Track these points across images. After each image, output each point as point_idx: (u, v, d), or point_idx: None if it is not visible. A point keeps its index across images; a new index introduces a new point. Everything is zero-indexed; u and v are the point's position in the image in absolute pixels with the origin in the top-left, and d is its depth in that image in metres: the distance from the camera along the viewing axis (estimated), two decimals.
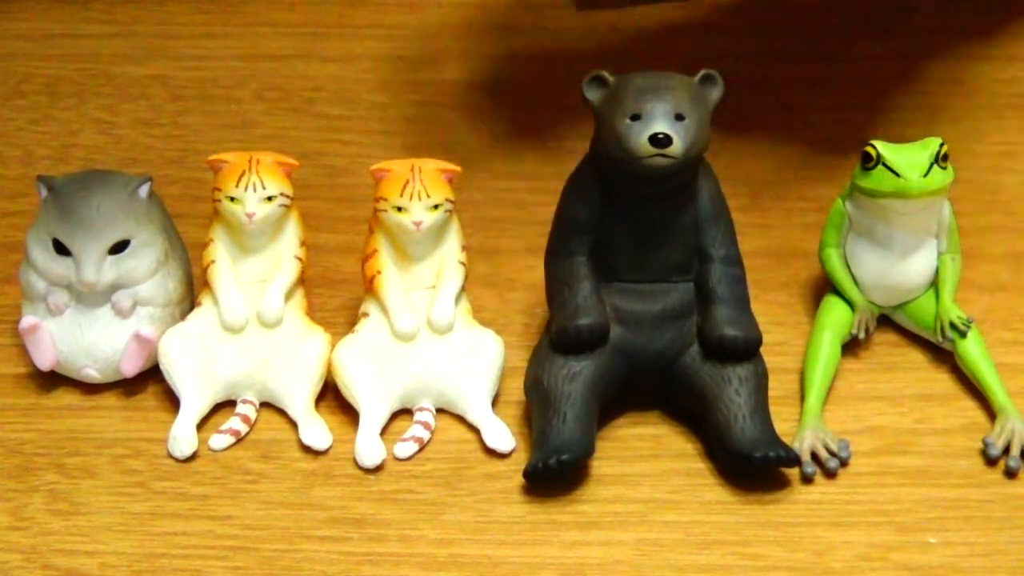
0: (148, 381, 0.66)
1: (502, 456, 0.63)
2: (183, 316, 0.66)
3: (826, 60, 0.88)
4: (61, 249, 0.63)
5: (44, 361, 0.65)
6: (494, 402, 0.65)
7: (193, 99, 0.85)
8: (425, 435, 0.64)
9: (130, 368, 0.65)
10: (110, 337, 0.65)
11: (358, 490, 0.62)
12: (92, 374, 0.65)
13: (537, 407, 0.63)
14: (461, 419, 0.65)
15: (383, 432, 0.64)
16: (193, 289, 0.67)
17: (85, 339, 0.65)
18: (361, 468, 0.63)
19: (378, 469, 0.62)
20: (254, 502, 0.62)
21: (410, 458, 0.63)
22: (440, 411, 0.65)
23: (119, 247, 0.64)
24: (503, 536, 0.60)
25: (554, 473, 0.61)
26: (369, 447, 0.63)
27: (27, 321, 0.65)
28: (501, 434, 0.64)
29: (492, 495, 0.62)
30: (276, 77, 0.86)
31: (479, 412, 0.64)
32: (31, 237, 0.65)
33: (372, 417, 0.64)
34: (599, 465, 0.63)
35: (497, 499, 0.62)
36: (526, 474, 0.61)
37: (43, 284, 0.64)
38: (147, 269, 0.65)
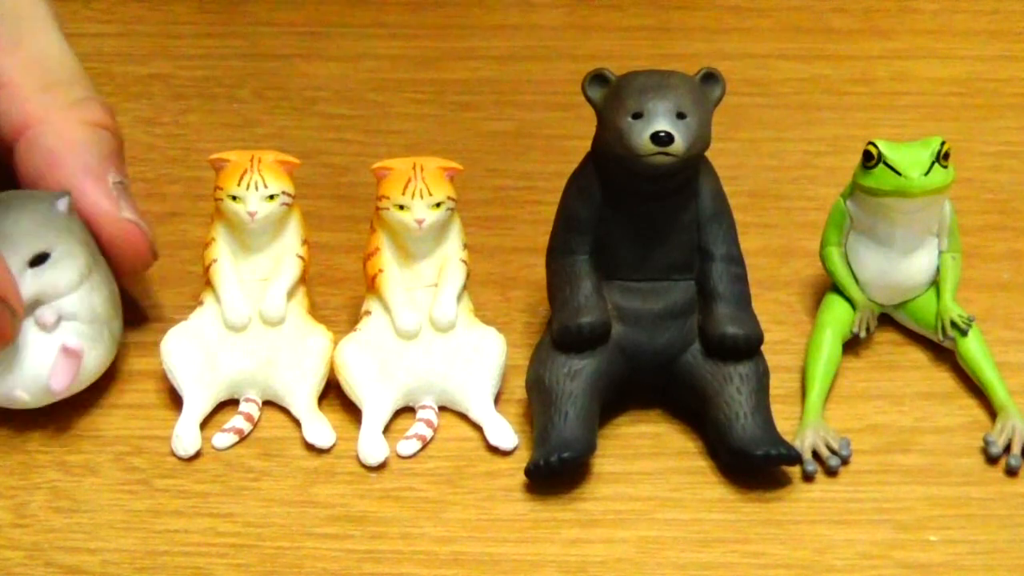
0: (150, 379, 0.67)
1: (505, 453, 0.63)
2: (114, 338, 0.64)
3: (826, 60, 0.88)
4: None
5: None
6: (496, 400, 0.65)
7: (194, 98, 0.85)
8: (428, 433, 0.64)
9: (58, 383, 0.62)
10: (37, 354, 0.62)
11: (359, 488, 0.62)
12: (22, 396, 0.63)
13: (538, 405, 0.63)
14: (463, 417, 0.65)
15: (385, 430, 0.64)
16: (120, 313, 0.66)
17: (11, 359, 0.62)
18: (364, 466, 0.63)
19: (381, 467, 0.63)
20: (256, 500, 0.62)
21: (413, 456, 0.63)
22: (442, 409, 0.65)
23: (39, 259, 0.62)
24: (504, 534, 0.60)
25: (555, 471, 0.61)
26: (372, 445, 0.63)
27: None
28: (504, 431, 0.64)
29: (493, 493, 0.62)
30: (277, 76, 0.86)
31: (482, 410, 0.64)
32: None
33: (375, 415, 0.64)
34: (600, 463, 0.63)
35: (498, 497, 0.62)
36: (527, 472, 0.61)
37: None
38: (69, 281, 0.62)
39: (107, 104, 0.68)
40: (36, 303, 0.62)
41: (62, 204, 0.63)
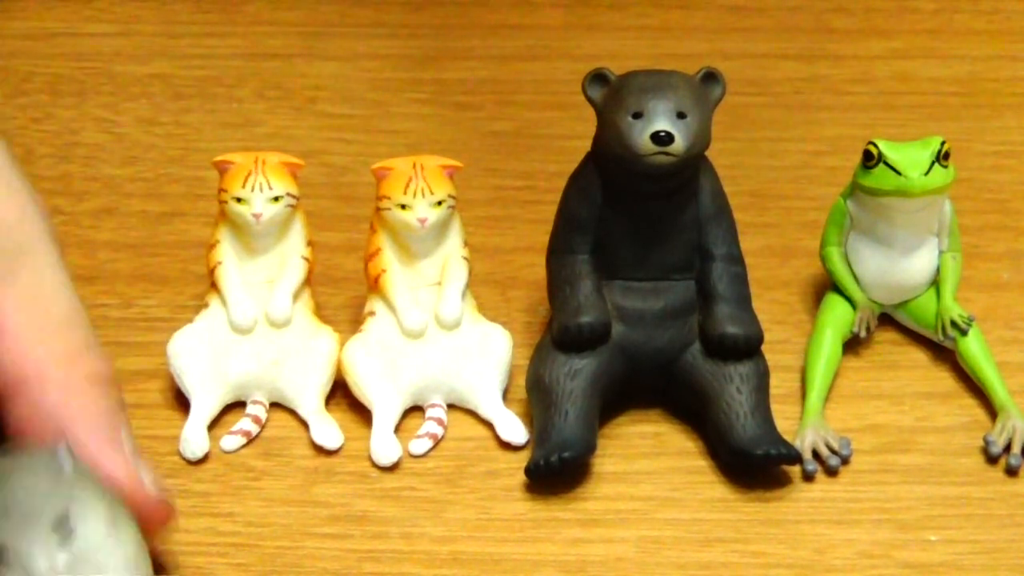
0: (150, 379, 0.66)
1: (516, 448, 0.63)
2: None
3: (826, 60, 0.88)
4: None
5: None
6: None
7: (194, 98, 0.85)
8: (439, 431, 0.64)
9: None
10: None
11: (360, 487, 0.62)
12: None
13: (538, 405, 0.63)
14: (465, 415, 0.65)
15: (396, 430, 0.64)
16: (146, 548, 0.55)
17: None
18: (377, 466, 0.63)
19: (395, 467, 0.62)
20: (256, 499, 0.62)
21: (425, 455, 0.63)
22: (450, 407, 0.65)
23: (61, 524, 0.51)
24: (505, 533, 0.60)
25: (556, 470, 0.61)
26: (385, 445, 0.63)
27: None
28: (515, 427, 0.64)
29: (494, 492, 0.62)
30: (277, 76, 0.86)
31: (491, 406, 0.64)
32: None
33: (386, 415, 0.64)
34: (600, 463, 0.63)
35: (499, 496, 0.62)
36: (527, 471, 0.61)
37: None
38: (98, 540, 0.51)
39: (104, 351, 0.60)
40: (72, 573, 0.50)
41: (64, 459, 0.52)
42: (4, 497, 0.51)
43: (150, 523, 0.56)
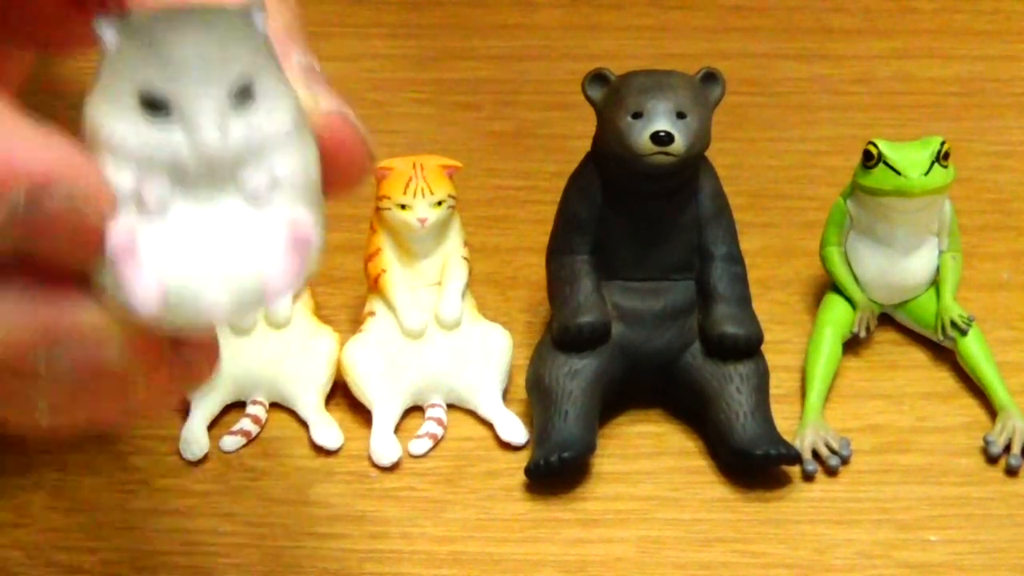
0: None
1: (516, 448, 0.63)
2: (325, 211, 0.44)
3: (826, 60, 0.88)
4: (157, 106, 0.39)
5: (147, 293, 0.38)
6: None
7: None
8: (439, 431, 0.64)
9: (282, 279, 0.40)
10: (245, 238, 0.40)
11: (359, 488, 0.62)
12: (219, 302, 0.40)
13: (538, 405, 0.63)
14: (465, 416, 0.65)
15: (395, 430, 0.64)
16: None
17: (207, 247, 0.39)
18: (377, 466, 0.63)
19: (395, 467, 0.62)
20: (256, 499, 0.62)
21: (425, 455, 0.63)
22: (450, 407, 0.65)
23: (243, 93, 0.40)
24: (504, 533, 0.60)
25: (556, 470, 0.61)
26: (385, 446, 0.63)
27: (123, 228, 0.39)
28: (514, 427, 0.64)
29: (494, 492, 0.62)
30: None
31: (491, 406, 0.64)
32: (96, 107, 0.41)
33: (386, 415, 0.64)
34: (600, 463, 0.63)
35: (498, 496, 0.62)
36: (527, 471, 0.61)
37: (130, 172, 0.40)
38: (280, 128, 0.41)
39: None
40: (238, 162, 0.40)
41: (259, 19, 0.41)
42: (177, 50, 0.39)
43: (332, 151, 0.43)
